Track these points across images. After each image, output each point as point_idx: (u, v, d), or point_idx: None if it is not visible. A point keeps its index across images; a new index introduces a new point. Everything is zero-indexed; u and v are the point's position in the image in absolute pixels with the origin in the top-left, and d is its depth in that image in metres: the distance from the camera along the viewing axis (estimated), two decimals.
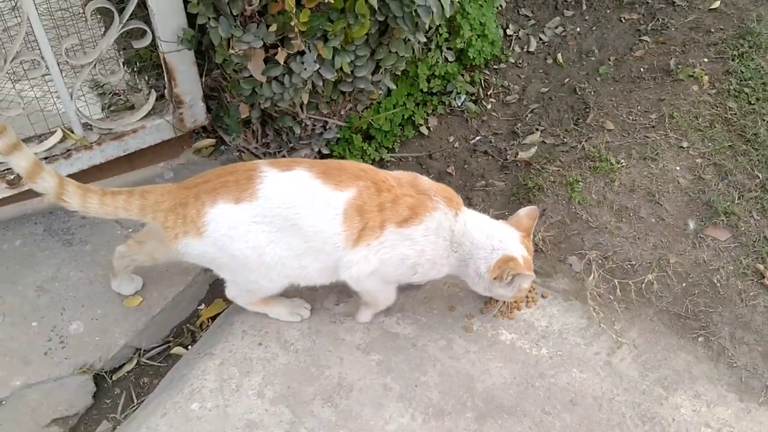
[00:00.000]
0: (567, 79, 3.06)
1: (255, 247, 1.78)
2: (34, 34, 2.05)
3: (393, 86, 2.58)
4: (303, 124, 2.44)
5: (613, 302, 2.18)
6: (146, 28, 2.19)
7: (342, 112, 2.59)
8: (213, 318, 2.24)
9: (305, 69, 2.11)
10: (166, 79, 2.33)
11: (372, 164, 2.54)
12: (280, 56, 2.10)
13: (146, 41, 2.22)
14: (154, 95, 2.40)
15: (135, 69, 2.55)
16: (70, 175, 1.98)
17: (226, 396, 1.89)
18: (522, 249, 1.92)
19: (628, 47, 3.15)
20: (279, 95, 2.15)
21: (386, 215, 1.79)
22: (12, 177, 2.20)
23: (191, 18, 2.17)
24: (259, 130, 2.52)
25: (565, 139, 2.75)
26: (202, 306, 2.30)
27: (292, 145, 2.53)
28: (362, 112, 2.63)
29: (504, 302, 2.12)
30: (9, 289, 2.16)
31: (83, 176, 2.20)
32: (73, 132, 2.29)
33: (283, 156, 2.57)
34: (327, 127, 2.56)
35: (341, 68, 2.17)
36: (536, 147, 2.72)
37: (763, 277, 2.23)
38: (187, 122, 2.49)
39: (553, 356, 2.03)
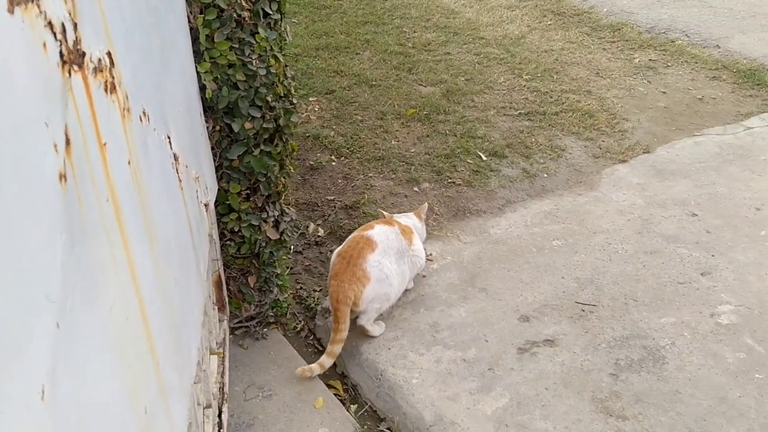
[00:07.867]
0: None
1: (388, 268, 3.15)
2: None
3: None
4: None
5: None
6: None
7: None
8: None
9: None
10: (216, 291, 3.03)
11: None
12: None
13: None
14: (225, 326, 3.04)
15: None
16: None
17: None
18: (414, 217, 3.74)
19: None
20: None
21: (407, 233, 3.44)
22: None
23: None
24: (255, 293, 3.38)
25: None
26: None
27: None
28: None
29: None
30: None
31: None
32: None
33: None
34: None
35: None
36: (318, 228, 4.51)
37: None
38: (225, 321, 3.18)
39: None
